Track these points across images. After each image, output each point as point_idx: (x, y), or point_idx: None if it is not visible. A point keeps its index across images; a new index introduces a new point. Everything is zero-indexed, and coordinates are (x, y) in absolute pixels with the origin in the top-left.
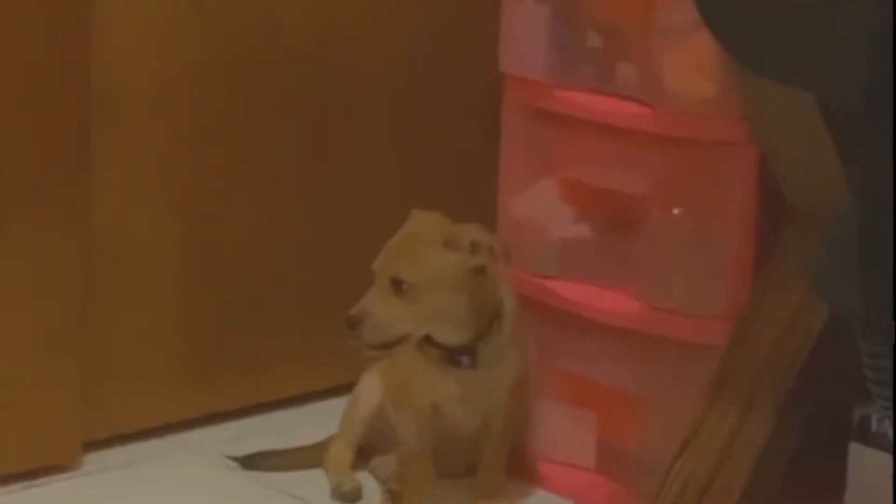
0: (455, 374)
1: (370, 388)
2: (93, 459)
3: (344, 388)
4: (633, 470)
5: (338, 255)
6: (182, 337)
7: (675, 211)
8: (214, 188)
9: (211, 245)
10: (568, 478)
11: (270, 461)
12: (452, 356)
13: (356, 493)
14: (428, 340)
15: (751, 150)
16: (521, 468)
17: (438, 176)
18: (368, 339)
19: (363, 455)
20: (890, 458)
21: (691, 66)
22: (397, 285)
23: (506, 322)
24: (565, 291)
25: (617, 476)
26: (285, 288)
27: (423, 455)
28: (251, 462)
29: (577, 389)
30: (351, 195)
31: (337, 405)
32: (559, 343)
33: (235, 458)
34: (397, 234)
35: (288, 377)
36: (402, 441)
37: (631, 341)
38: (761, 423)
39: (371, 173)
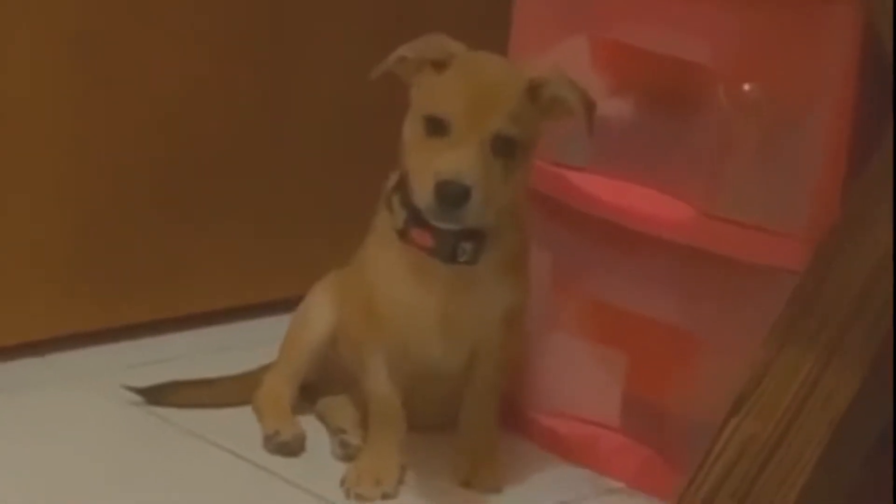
0: (442, 282)
1: (322, 305)
2: None
3: (285, 304)
4: (672, 431)
5: (287, 134)
6: (73, 230)
7: (747, 88)
8: (129, 20)
9: (119, 106)
10: (583, 438)
11: (183, 395)
12: (448, 243)
13: (297, 445)
14: (417, 222)
15: (852, 11)
16: (517, 422)
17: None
18: (473, 218)
19: (308, 393)
20: None
21: None
22: (505, 146)
23: (518, 219)
24: (595, 189)
25: (649, 438)
26: (214, 170)
27: (390, 398)
28: (157, 395)
29: (601, 321)
30: (312, 61)
31: (275, 325)
32: (581, 258)
33: (137, 389)
34: (461, 76)
35: (211, 286)
36: (362, 378)
37: (679, 260)
38: (846, 377)
39: (336, 37)
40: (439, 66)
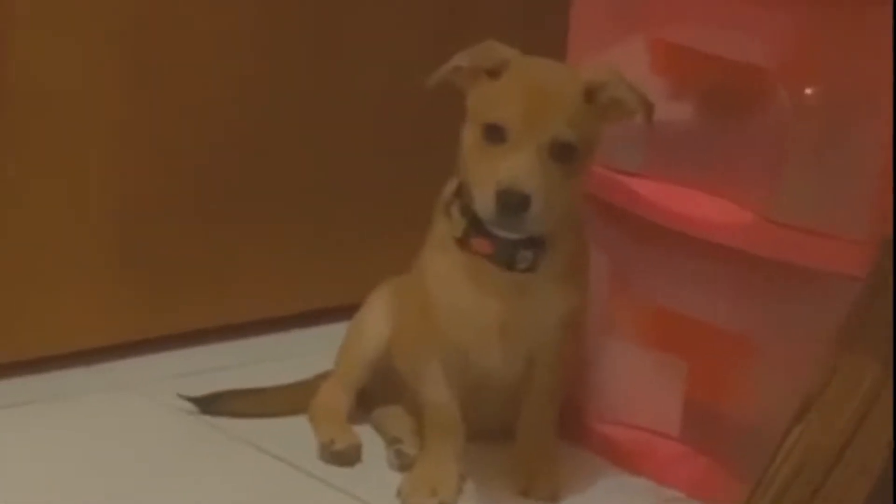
0: (501, 288)
1: (379, 314)
2: None
3: (341, 312)
4: (732, 439)
5: (342, 136)
6: (121, 233)
7: (809, 91)
8: (177, 17)
9: (167, 106)
10: (642, 447)
11: (237, 404)
12: (508, 251)
13: (353, 454)
14: (477, 230)
15: None
16: (576, 431)
17: (484, 28)
18: (534, 226)
19: (364, 403)
20: None
21: None
22: (564, 152)
23: (577, 226)
24: (652, 194)
25: (709, 447)
26: (272, 173)
27: (448, 406)
28: (211, 404)
29: (660, 328)
30: (365, 61)
31: (332, 333)
32: (640, 264)
33: (190, 399)
34: (516, 82)
35: (266, 294)
36: (418, 387)
37: (738, 265)
38: None
39: (391, 36)
40: (494, 73)
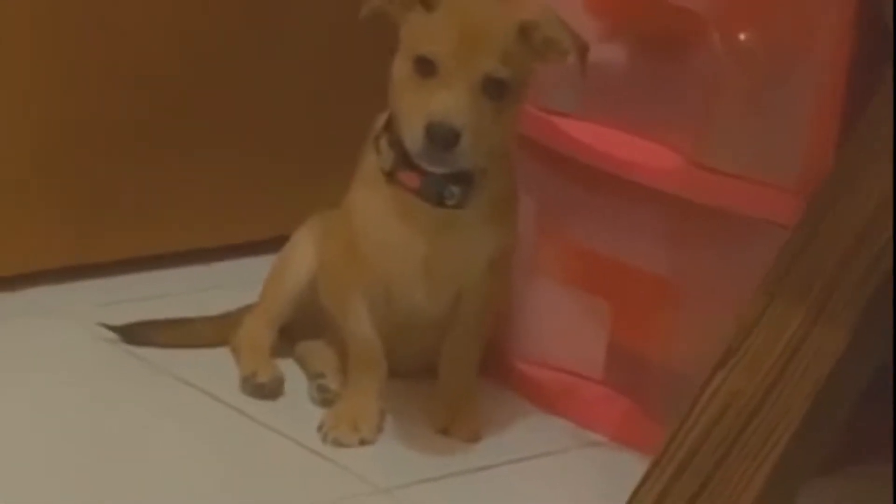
0: (428, 225)
1: (305, 248)
2: None
3: (268, 245)
4: (655, 383)
5: (274, 67)
6: (45, 157)
7: (742, 36)
8: None
9: (98, 20)
10: (564, 389)
11: (160, 334)
12: (435, 186)
13: (275, 387)
14: (405, 164)
15: None
16: (499, 371)
17: None
18: (463, 161)
19: (287, 337)
20: None
21: None
22: (495, 87)
23: (506, 164)
24: (583, 136)
25: (632, 390)
26: (200, 102)
27: (371, 341)
28: (134, 333)
29: (585, 269)
30: None
31: (258, 266)
32: (567, 205)
33: (112, 327)
34: (450, 16)
35: (193, 223)
36: (343, 321)
37: (666, 209)
38: (834, 333)
39: None
40: (429, 5)
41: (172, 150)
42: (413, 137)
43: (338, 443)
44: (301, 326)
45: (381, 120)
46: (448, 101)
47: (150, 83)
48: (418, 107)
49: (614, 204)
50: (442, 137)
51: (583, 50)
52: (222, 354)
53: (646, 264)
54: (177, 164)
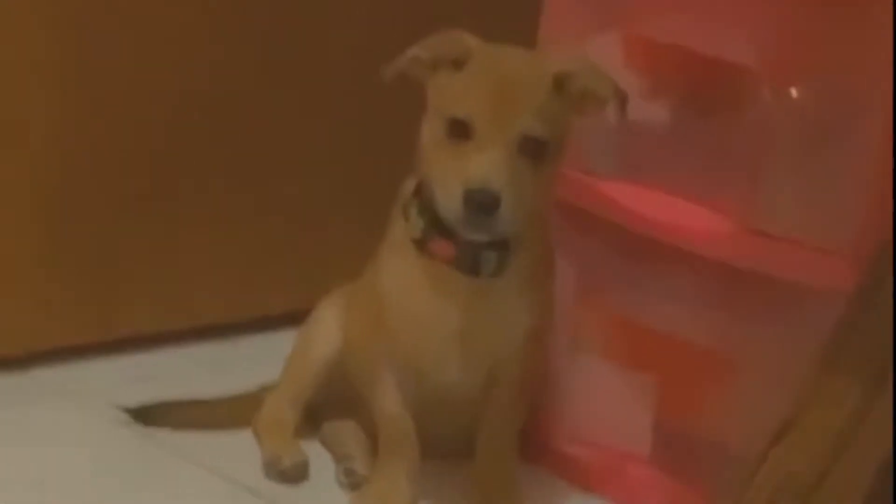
0: (461, 295)
1: (330, 321)
2: None
3: (289, 319)
4: (705, 463)
5: (293, 132)
6: (53, 226)
7: (794, 90)
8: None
9: (106, 88)
10: (609, 469)
11: (178, 416)
12: (470, 254)
13: (299, 472)
14: (436, 231)
15: None
16: (538, 451)
17: (445, 18)
18: (504, 227)
19: (312, 417)
20: None
21: None
22: (533, 146)
23: (543, 229)
24: (624, 198)
25: (681, 471)
26: (217, 168)
27: (402, 420)
28: (150, 415)
29: (630, 342)
30: (322, 49)
31: (278, 341)
32: (609, 273)
33: (128, 409)
34: (481, 73)
35: (208, 297)
36: (371, 399)
37: (715, 277)
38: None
39: (349, 21)
40: (457, 63)
41: (187, 221)
42: (450, 205)
43: None
44: (327, 405)
45: (410, 185)
46: (486, 165)
47: (160, 149)
48: (454, 172)
49: (659, 271)
50: (482, 203)
51: (622, 98)
52: (244, 437)
53: (694, 336)
54: (190, 233)
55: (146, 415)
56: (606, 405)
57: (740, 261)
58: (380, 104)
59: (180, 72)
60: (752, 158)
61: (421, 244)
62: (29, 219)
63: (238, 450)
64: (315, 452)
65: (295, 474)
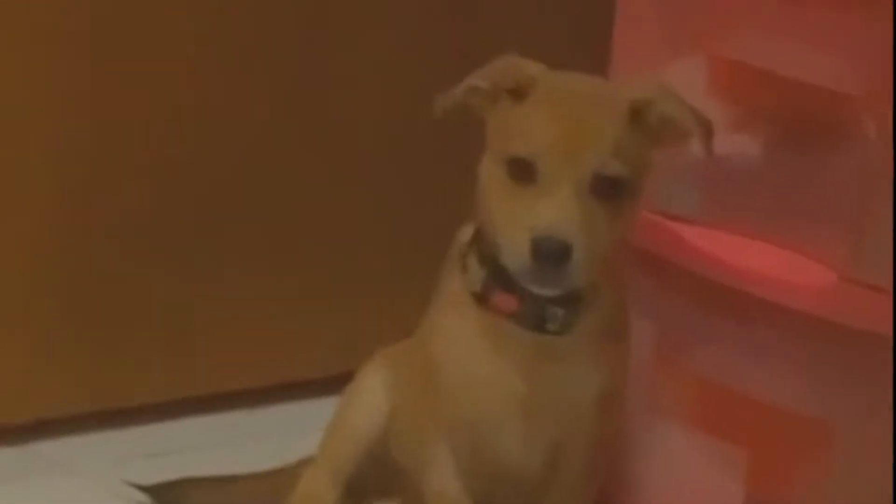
0: (525, 356)
1: (374, 388)
2: None
3: (330, 384)
4: None
5: (327, 174)
6: (60, 284)
7: None
8: (143, 19)
9: (125, 127)
10: None
11: (198, 493)
12: (537, 309)
13: None
14: (499, 284)
15: None
16: None
17: (506, 44)
18: (577, 279)
19: (354, 496)
20: None
21: None
22: (608, 187)
23: (617, 280)
24: (709, 245)
25: None
26: (243, 218)
27: (458, 499)
28: (167, 493)
29: (716, 409)
30: (355, 82)
31: (317, 410)
32: (692, 330)
33: (141, 487)
34: (546, 105)
35: (237, 360)
36: (422, 477)
37: (812, 334)
38: None
39: (387, 50)
40: (518, 94)
41: (207, 274)
42: (515, 255)
43: None
44: (371, 483)
45: (467, 233)
46: (555, 210)
47: (171, 202)
48: (518, 218)
49: (748, 328)
50: (553, 253)
51: (707, 129)
52: None
53: (789, 402)
54: (213, 289)
55: (163, 493)
56: (689, 480)
57: (840, 316)
58: (431, 138)
59: (199, 120)
60: (854, 201)
61: (482, 298)
62: (33, 277)
63: None
64: None
65: None
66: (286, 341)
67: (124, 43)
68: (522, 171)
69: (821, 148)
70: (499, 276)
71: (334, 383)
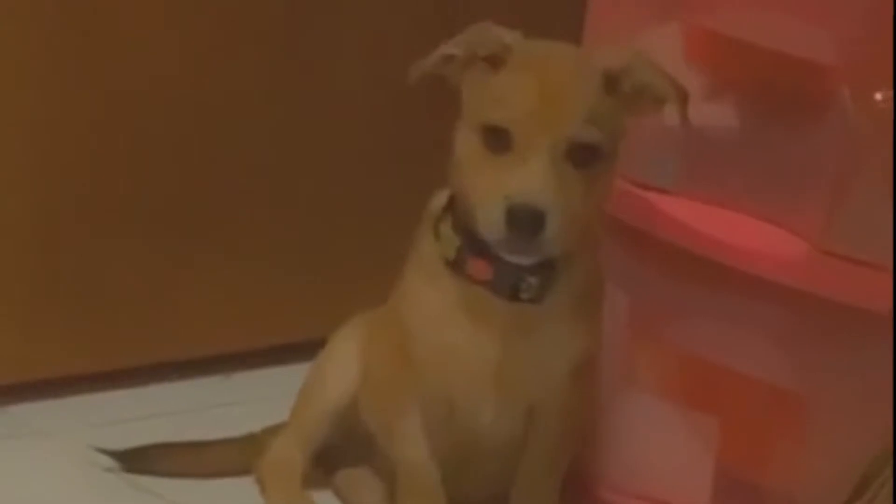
0: (498, 324)
1: (346, 355)
2: None
3: (299, 351)
4: None
5: (303, 140)
6: (32, 251)
7: (880, 95)
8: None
9: (99, 103)
10: None
11: (168, 460)
12: (511, 277)
13: None
14: (473, 251)
15: None
16: (584, 502)
17: (479, 11)
18: (551, 247)
19: (324, 463)
20: None
21: None
22: (583, 153)
23: (592, 249)
24: (684, 216)
25: None
26: (216, 186)
27: (427, 468)
28: (136, 459)
29: (689, 379)
30: (335, 51)
31: (287, 376)
32: (666, 301)
33: (111, 452)
34: (521, 73)
35: (206, 326)
36: (392, 443)
37: (786, 306)
38: None
39: (367, 22)
40: (493, 62)
41: (178, 240)
42: (490, 223)
43: None
44: (341, 450)
45: (441, 199)
46: (530, 177)
47: (155, 169)
48: (493, 186)
49: (724, 300)
50: (527, 221)
51: (682, 96)
52: (246, 485)
53: (762, 373)
54: (183, 256)
55: (132, 459)
56: (661, 450)
57: (817, 288)
58: (401, 109)
59: (180, 92)
60: (832, 171)
61: (456, 265)
62: (3, 246)
63: (239, 500)
64: (328, 503)
65: None
66: (257, 308)
67: (103, 20)
68: (497, 138)
69: (798, 119)
70: (472, 244)
71: (305, 350)
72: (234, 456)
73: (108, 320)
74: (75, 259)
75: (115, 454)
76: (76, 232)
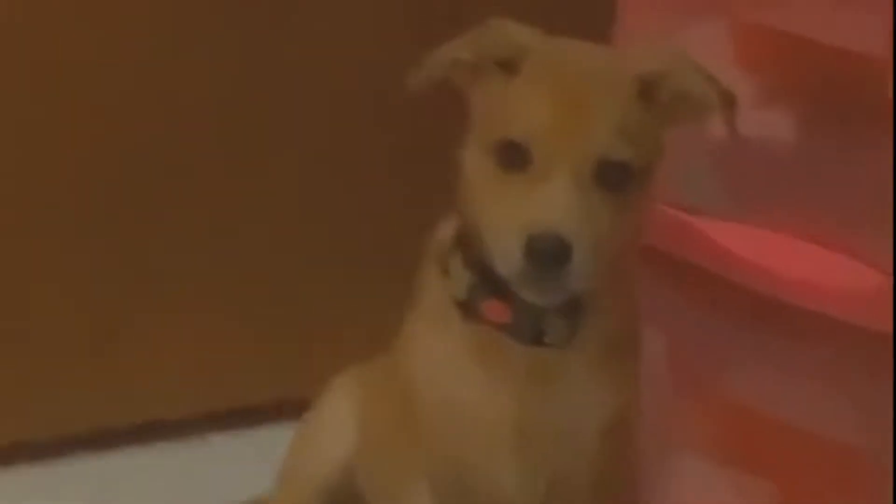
0: (519, 374)
1: (340, 414)
2: None
3: (286, 410)
4: None
5: (293, 160)
6: None
7: None
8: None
9: (84, 152)
10: None
11: None
12: (532, 318)
13: None
14: (488, 290)
15: None
16: None
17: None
18: (578, 283)
19: None
20: None
21: None
22: (614, 175)
23: (626, 285)
24: (735, 245)
25: None
26: (187, 214)
27: None
28: None
29: (743, 438)
30: (328, 50)
31: (271, 439)
32: (713, 344)
33: None
34: (541, 79)
35: (180, 384)
36: None
37: (853, 349)
38: None
39: (356, 21)
40: (508, 67)
41: (141, 285)
42: (506, 257)
43: None
44: None
45: (446, 229)
46: (552, 204)
47: (112, 204)
48: (509, 213)
49: (781, 343)
50: (549, 254)
51: (730, 104)
52: None
53: (827, 429)
54: (147, 302)
55: None
56: None
57: (886, 326)
58: (402, 125)
59: (156, 131)
60: None
61: (467, 306)
62: None
63: None
64: None
65: None
66: (238, 364)
67: (87, 8)
68: (514, 157)
69: (862, 128)
70: (487, 282)
71: (291, 409)
72: None
73: (61, 381)
74: (29, 312)
75: None
76: (16, 276)
